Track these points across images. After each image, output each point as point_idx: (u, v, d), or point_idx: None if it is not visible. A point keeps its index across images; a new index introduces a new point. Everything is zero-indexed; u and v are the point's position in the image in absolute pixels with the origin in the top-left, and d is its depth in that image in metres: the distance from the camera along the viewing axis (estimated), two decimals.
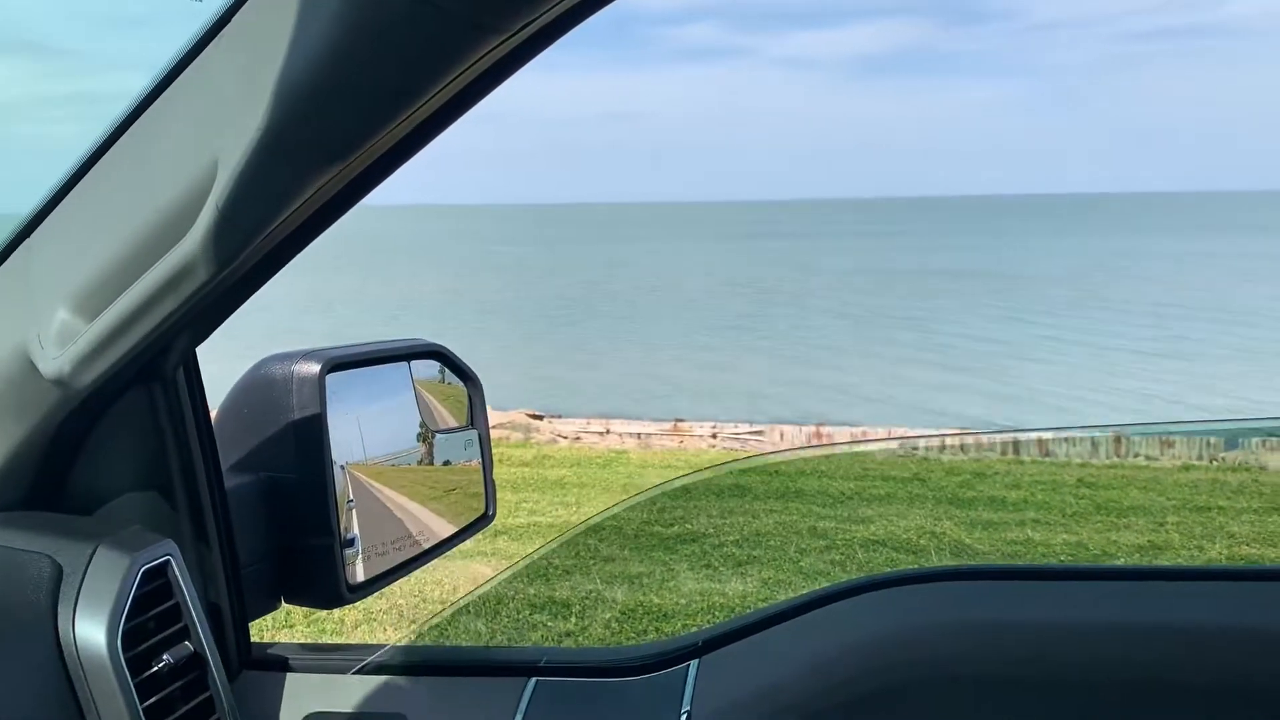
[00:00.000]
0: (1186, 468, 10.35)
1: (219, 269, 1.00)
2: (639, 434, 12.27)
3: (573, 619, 5.86)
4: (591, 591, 6.33)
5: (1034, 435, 11.51)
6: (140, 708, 1.08)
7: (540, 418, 13.16)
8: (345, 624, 5.65)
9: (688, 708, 1.29)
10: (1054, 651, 1.26)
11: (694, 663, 1.37)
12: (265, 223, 1.00)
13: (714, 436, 12.03)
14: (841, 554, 7.15)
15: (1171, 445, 11.08)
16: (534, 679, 1.37)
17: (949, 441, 11.51)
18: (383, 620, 5.73)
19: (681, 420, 12.80)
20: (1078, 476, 9.78)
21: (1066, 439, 11.37)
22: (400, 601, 5.98)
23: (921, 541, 7.42)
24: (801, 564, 6.93)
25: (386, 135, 0.97)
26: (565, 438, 12.21)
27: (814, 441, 11.85)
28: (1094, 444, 11.22)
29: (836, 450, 11.27)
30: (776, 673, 1.32)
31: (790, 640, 1.37)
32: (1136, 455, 11.04)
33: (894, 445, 11.57)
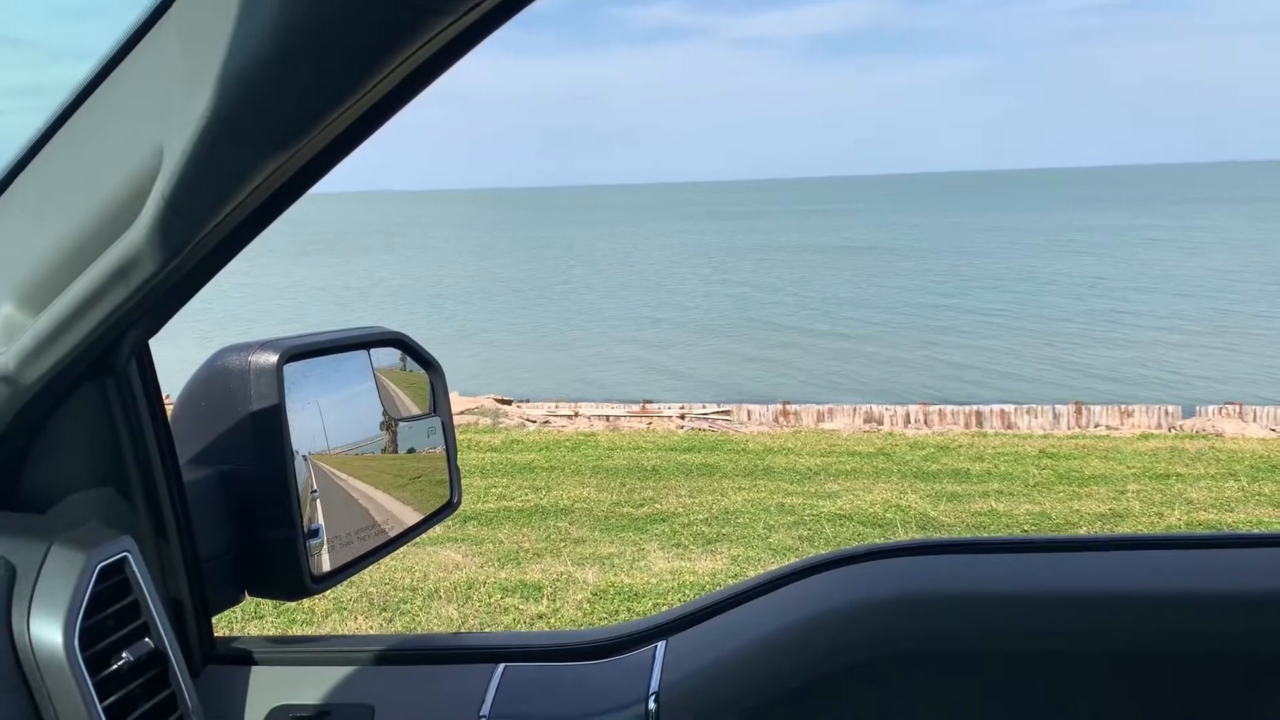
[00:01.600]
0: (1145, 436, 10.52)
1: (167, 259, 0.98)
2: (607, 416, 12.27)
3: (544, 601, 5.87)
4: (563, 574, 6.35)
5: (997, 407, 11.63)
6: (100, 707, 1.06)
7: (508, 402, 13.12)
8: (315, 614, 5.62)
9: (655, 689, 1.29)
10: (1021, 623, 1.26)
11: (661, 644, 1.37)
12: (214, 211, 0.98)
13: (682, 418, 12.05)
14: (809, 529, 7.21)
15: (1131, 414, 11.25)
16: (503, 665, 1.37)
17: (914, 415, 11.60)
18: (353, 609, 5.71)
19: (650, 401, 12.83)
20: (1039, 447, 9.91)
21: (1029, 410, 11.51)
22: (370, 590, 5.96)
23: (888, 515, 7.50)
24: (770, 540, 6.98)
25: (336, 120, 0.96)
26: (534, 421, 12.19)
27: (780, 420, 11.91)
28: (1055, 415, 11.38)
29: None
30: (743, 651, 1.32)
31: (757, 618, 1.37)
32: (1097, 425, 11.20)
33: (859, 420, 11.65)
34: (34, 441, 1.20)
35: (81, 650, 1.05)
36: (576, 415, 12.35)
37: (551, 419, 12.30)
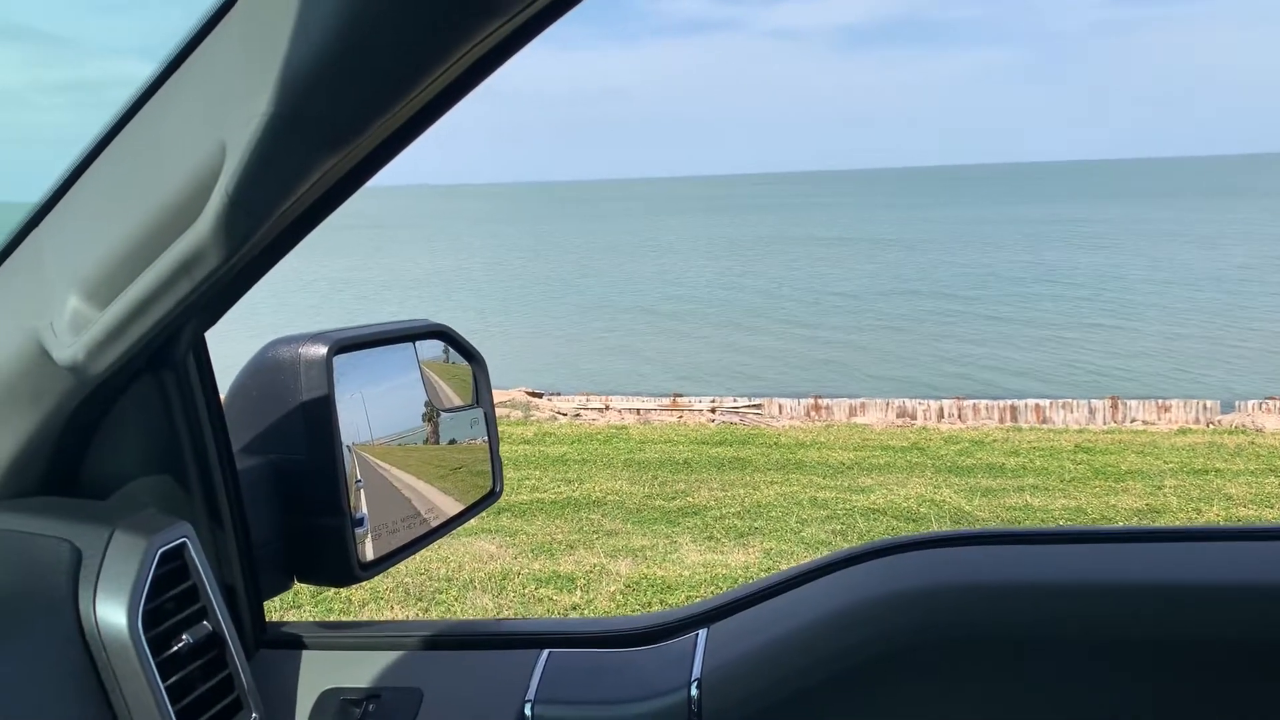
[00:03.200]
0: (1183, 431, 10.39)
1: (230, 253, 1.01)
2: (638, 409, 12.29)
3: (578, 592, 5.90)
4: (596, 565, 6.37)
5: (1032, 402, 11.54)
6: (163, 687, 1.09)
7: (540, 395, 13.17)
8: (353, 603, 5.68)
9: (697, 675, 1.30)
10: (1058, 613, 1.26)
11: (702, 631, 1.38)
12: (275, 206, 1.00)
13: (713, 411, 12.05)
14: (842, 524, 7.19)
15: (1168, 409, 11.12)
16: (546, 650, 1.39)
17: (947, 409, 11.54)
18: (389, 599, 5.77)
19: (680, 395, 12.83)
20: (1075, 442, 9.82)
21: (1064, 405, 11.41)
22: (406, 580, 6.01)
23: (922, 509, 7.47)
24: (803, 534, 6.97)
25: (392, 117, 0.99)
26: (564, 415, 12.23)
27: (812, 414, 11.88)
28: (1091, 409, 11.27)
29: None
30: (784, 639, 1.33)
31: (797, 607, 1.38)
32: (1134, 420, 11.09)
33: (892, 415, 11.60)
34: (96, 431, 1.24)
35: (144, 632, 1.09)
36: (607, 408, 12.39)
37: (582, 412, 12.34)
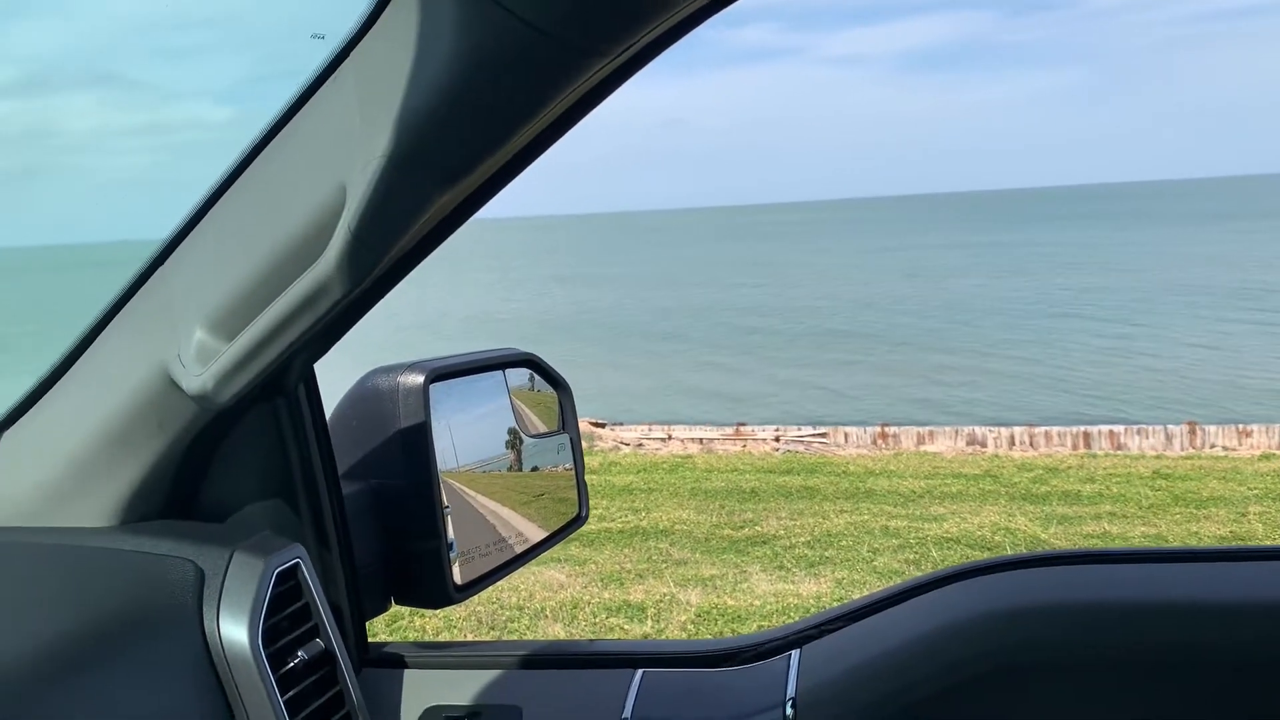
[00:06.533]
0: (1266, 457, 10.09)
1: (352, 287, 1.06)
2: (700, 439, 12.26)
3: (649, 622, 5.88)
4: (665, 594, 6.36)
5: (1105, 428, 11.29)
6: (281, 701, 1.13)
7: (602, 425, 13.21)
8: (427, 631, 5.73)
9: (792, 694, 1.31)
10: (1147, 634, 1.26)
11: (795, 652, 1.39)
12: (393, 241, 1.06)
13: (777, 440, 11.98)
14: (915, 553, 7.09)
15: (1249, 434, 10.81)
16: (640, 670, 1.40)
17: (1019, 436, 11.33)
18: (462, 626, 5.81)
19: (743, 424, 12.77)
20: (1153, 468, 9.59)
21: (1139, 431, 11.15)
22: (479, 608, 6.05)
23: (996, 538, 7.34)
24: (875, 563, 6.88)
25: (499, 155, 1.03)
26: (628, 445, 12.24)
27: (879, 442, 11.75)
28: (1168, 435, 10.99)
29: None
30: (877, 659, 1.33)
31: (889, 627, 1.38)
32: (1213, 446, 10.79)
33: (962, 443, 11.43)
34: (213, 457, 1.29)
35: (264, 648, 1.12)
36: (670, 438, 12.37)
37: (645, 442, 12.35)
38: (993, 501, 8.47)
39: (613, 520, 8.20)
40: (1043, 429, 11.52)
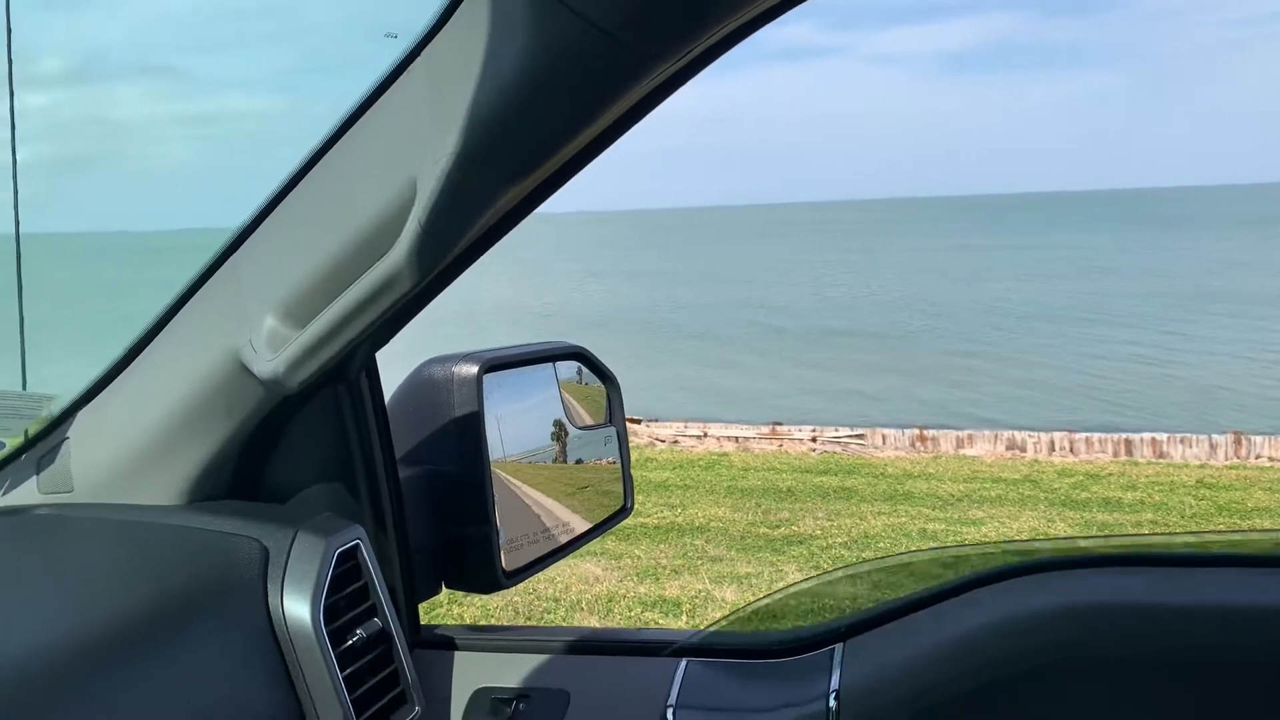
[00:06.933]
0: None
1: (420, 278, 1.10)
2: (736, 437, 12.24)
3: (684, 617, 5.90)
4: (701, 591, 6.37)
5: (1148, 436, 11.15)
6: (340, 676, 1.16)
7: (638, 421, 13.23)
8: (465, 620, 5.79)
9: (835, 687, 1.32)
10: (1193, 635, 1.26)
11: (839, 646, 1.40)
12: (462, 234, 1.09)
13: (814, 440, 11.94)
14: (953, 556, 7.05)
15: None
16: (685, 660, 1.42)
17: (1059, 442, 11.22)
18: (499, 616, 5.86)
19: (779, 424, 12.74)
20: (1196, 477, 9.46)
21: (1182, 440, 10.99)
22: (515, 599, 6.10)
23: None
24: (912, 566, 6.85)
25: (563, 153, 1.06)
26: (663, 441, 12.25)
27: (917, 444, 11.67)
28: (1212, 445, 10.83)
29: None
30: (921, 655, 1.34)
31: (934, 624, 1.39)
32: (1259, 456, 10.62)
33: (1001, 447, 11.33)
34: (277, 440, 1.33)
35: (325, 625, 1.16)
36: (705, 435, 12.37)
37: (680, 439, 12.35)
38: (1032, 506, 8.40)
39: (649, 516, 8.22)
40: (1083, 435, 11.39)
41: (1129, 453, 10.99)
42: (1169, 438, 11.08)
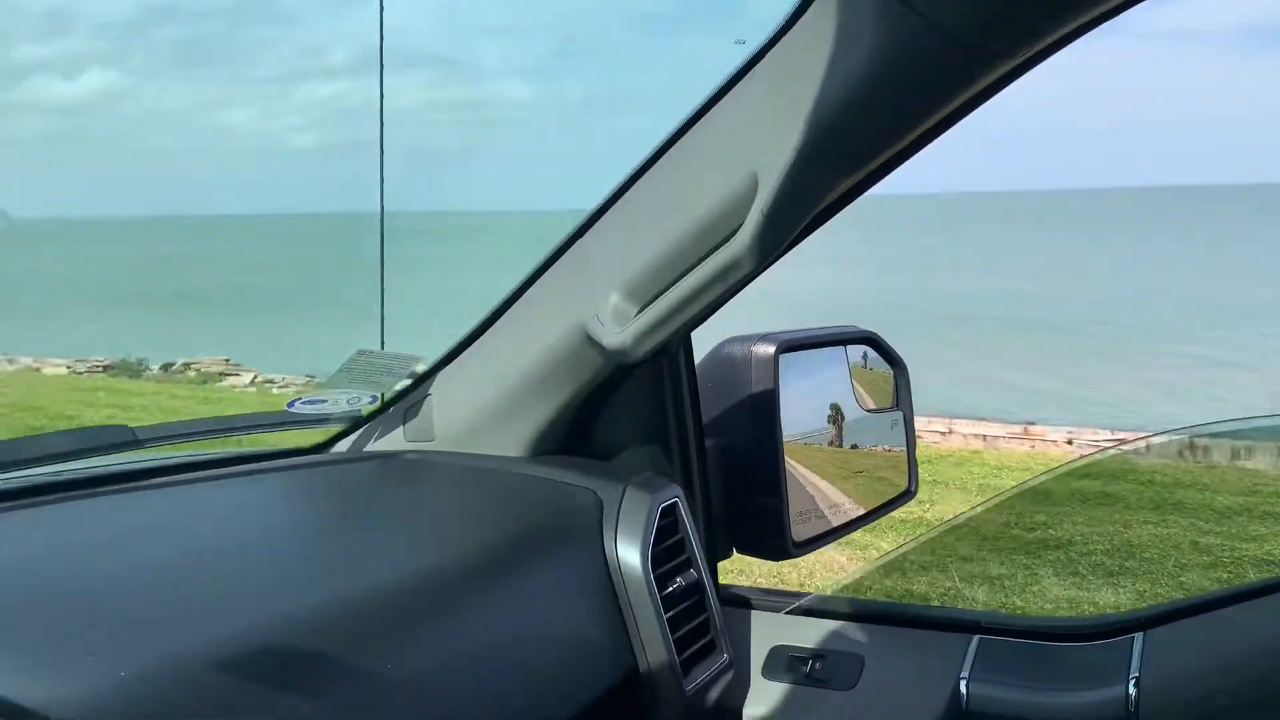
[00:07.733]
0: None
1: (760, 262, 1.20)
2: (984, 435, 11.81)
3: None
4: (950, 589, 6.23)
5: None
6: (664, 618, 1.28)
7: None
8: None
9: (1136, 674, 1.31)
10: None
11: (1139, 635, 1.38)
12: (799, 223, 1.18)
13: (1070, 443, 11.35)
14: (1229, 572, 6.55)
15: None
16: (977, 637, 1.44)
17: None
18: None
19: (1033, 424, 12.18)
20: None
21: None
22: (760, 581, 6.18)
23: None
24: (1182, 579, 6.43)
25: (897, 145, 1.12)
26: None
27: (1186, 454, 10.86)
28: None
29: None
30: (1233, 650, 1.31)
31: (1244, 621, 1.35)
32: None
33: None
34: (606, 404, 1.47)
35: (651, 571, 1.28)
36: (950, 432, 12.00)
37: (924, 434, 12.05)
38: None
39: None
40: None
41: None
42: None
